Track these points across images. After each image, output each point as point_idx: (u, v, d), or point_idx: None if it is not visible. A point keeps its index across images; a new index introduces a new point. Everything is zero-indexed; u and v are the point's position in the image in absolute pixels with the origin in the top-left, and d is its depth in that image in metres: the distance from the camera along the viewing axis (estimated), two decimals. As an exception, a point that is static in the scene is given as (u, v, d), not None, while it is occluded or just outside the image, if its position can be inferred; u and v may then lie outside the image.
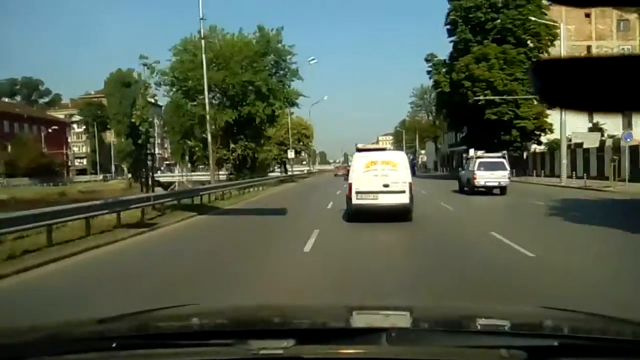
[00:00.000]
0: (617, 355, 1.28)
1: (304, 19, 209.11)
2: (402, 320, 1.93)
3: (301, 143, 54.48)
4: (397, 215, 12.14)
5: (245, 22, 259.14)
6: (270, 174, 50.17)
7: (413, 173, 13.83)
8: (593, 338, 1.51)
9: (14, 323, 3.61)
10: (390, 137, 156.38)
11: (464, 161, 32.90)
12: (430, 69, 47.82)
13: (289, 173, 50.79)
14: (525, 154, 46.28)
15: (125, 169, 72.82)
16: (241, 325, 1.77)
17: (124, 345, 1.32)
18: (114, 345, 1.31)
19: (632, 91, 0.70)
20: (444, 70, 46.44)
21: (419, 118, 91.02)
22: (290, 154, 46.24)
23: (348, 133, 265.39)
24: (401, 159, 12.91)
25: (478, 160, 23.13)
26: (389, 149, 20.95)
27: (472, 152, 28.21)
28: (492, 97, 38.16)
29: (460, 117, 44.71)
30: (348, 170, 15.76)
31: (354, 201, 12.42)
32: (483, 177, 22.29)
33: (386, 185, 12.20)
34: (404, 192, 12.21)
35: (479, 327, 1.79)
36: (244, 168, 32.76)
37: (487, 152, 25.84)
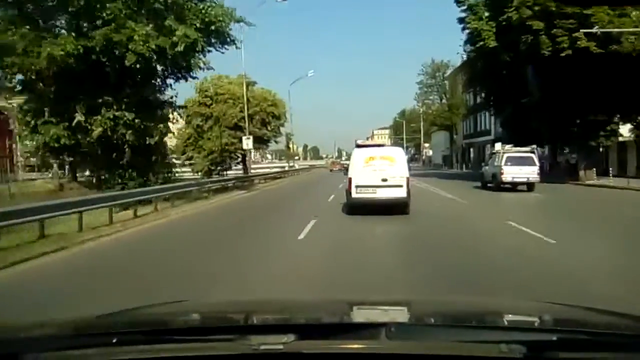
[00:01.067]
0: (615, 350, 1.26)
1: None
2: (401, 315, 1.91)
3: (268, 128, 36.07)
4: (395, 208, 12.33)
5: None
6: (216, 177, 33.50)
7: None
8: (592, 332, 1.47)
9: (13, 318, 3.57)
10: (387, 131, 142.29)
11: (487, 156, 29.74)
12: (464, 13, 30.97)
13: (250, 172, 33.76)
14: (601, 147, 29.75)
15: (55, 165, 56.58)
16: (241, 321, 1.75)
17: (124, 340, 1.31)
18: (114, 340, 1.30)
19: (633, 91, 0.40)
20: (486, 15, 29.68)
21: (429, 101, 69.84)
22: (247, 143, 28.81)
23: (342, 127, 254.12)
24: (399, 154, 13.25)
25: (505, 155, 21.71)
26: (388, 145, 18.28)
27: (498, 146, 26.43)
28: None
29: (508, 88, 28.33)
30: (344, 167, 19.91)
31: (354, 195, 12.63)
32: (511, 173, 21.03)
33: (384, 180, 12.49)
34: (401, 186, 12.45)
35: (478, 321, 1.74)
36: (116, 166, 15.83)
37: (517, 146, 24.30)
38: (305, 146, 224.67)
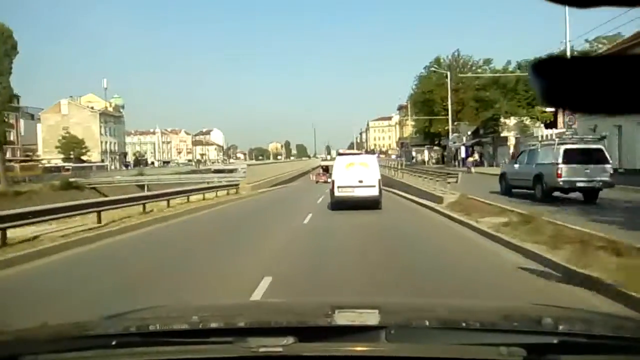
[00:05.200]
0: (615, 353, 1.26)
1: None
2: (401, 317, 1.89)
3: None
4: (369, 204, 15.07)
5: None
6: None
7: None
8: (592, 335, 1.47)
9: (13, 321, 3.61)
10: (386, 122, 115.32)
11: (520, 151, 20.39)
12: None
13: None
14: None
15: None
16: (241, 323, 1.75)
17: (123, 343, 1.32)
18: (113, 343, 1.30)
19: (635, 91, 0.66)
20: None
21: None
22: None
23: (333, 123, 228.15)
24: (372, 161, 16.69)
25: (563, 148, 14.70)
26: (364, 154, 23.57)
27: (543, 133, 20.02)
28: None
29: None
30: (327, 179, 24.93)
31: (336, 193, 15.64)
32: (572, 174, 14.19)
33: (361, 181, 15.46)
34: (374, 186, 15.40)
35: (478, 324, 1.73)
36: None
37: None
38: (287, 143, 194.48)
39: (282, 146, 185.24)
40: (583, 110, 0.70)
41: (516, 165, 17.54)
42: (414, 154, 65.71)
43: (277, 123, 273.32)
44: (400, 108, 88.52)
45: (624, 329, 1.69)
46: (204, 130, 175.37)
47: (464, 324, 1.69)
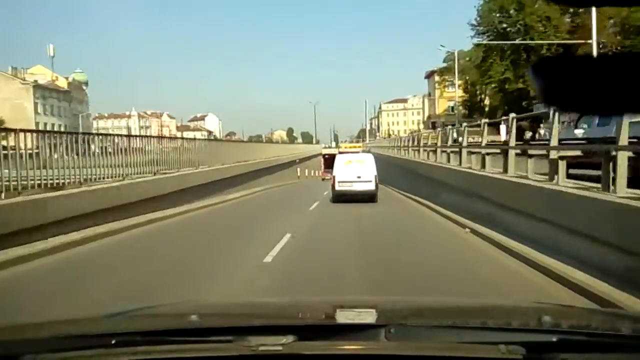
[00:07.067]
0: (616, 351, 1.26)
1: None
2: (400, 316, 1.85)
3: None
4: (366, 197, 17.32)
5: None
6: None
7: None
8: (591, 333, 1.46)
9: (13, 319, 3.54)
10: (400, 104, 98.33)
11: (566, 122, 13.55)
12: None
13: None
14: None
15: None
16: (240, 322, 1.72)
17: (123, 342, 1.32)
18: (113, 342, 1.30)
19: (635, 91, 0.67)
20: None
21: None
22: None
23: (341, 110, 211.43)
24: (369, 158, 19.12)
25: None
26: (362, 152, 27.06)
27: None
28: None
29: None
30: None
31: (337, 188, 17.96)
32: None
33: (359, 177, 17.74)
34: (371, 181, 17.73)
35: (477, 322, 1.73)
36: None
37: None
38: (290, 130, 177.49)
39: (286, 134, 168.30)
40: (583, 110, 0.69)
41: (578, 131, 11.86)
42: (454, 135, 44.85)
43: (282, 110, 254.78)
44: (430, 75, 67.24)
45: (623, 327, 1.68)
46: (199, 115, 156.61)
47: (463, 322, 1.68)
